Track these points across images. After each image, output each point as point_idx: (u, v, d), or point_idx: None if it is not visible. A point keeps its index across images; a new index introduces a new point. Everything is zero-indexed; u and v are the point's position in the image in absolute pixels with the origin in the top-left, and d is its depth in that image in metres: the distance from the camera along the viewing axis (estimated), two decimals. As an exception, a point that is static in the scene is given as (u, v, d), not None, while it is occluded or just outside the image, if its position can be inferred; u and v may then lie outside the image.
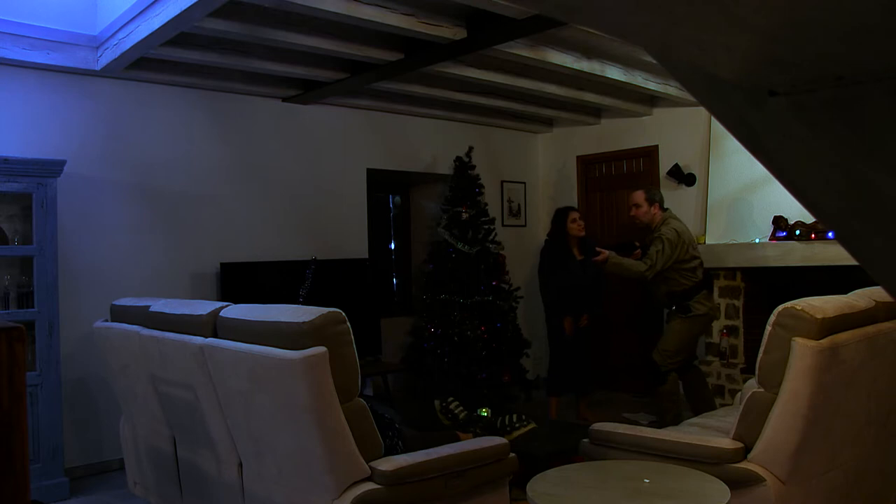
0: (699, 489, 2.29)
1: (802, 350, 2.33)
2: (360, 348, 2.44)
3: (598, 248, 4.86)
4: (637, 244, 5.12)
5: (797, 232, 5.04)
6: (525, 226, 7.07)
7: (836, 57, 0.61)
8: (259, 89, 5.16)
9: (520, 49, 4.34)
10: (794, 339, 2.37)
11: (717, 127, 5.62)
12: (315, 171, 5.59)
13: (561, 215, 5.29)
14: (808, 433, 2.37)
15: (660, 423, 4.40)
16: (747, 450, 2.48)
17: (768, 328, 2.48)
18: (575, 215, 5.27)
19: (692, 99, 4.11)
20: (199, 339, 2.70)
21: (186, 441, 3.05)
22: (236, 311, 2.70)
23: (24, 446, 1.42)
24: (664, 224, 4.75)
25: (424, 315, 5.99)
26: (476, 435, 3.33)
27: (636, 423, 4.65)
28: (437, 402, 4.54)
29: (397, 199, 6.87)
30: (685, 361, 4.86)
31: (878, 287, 2.45)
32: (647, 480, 2.39)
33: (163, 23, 3.55)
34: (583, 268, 5.20)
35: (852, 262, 0.85)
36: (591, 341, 5.42)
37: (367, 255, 5.84)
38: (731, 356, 5.69)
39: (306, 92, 5.25)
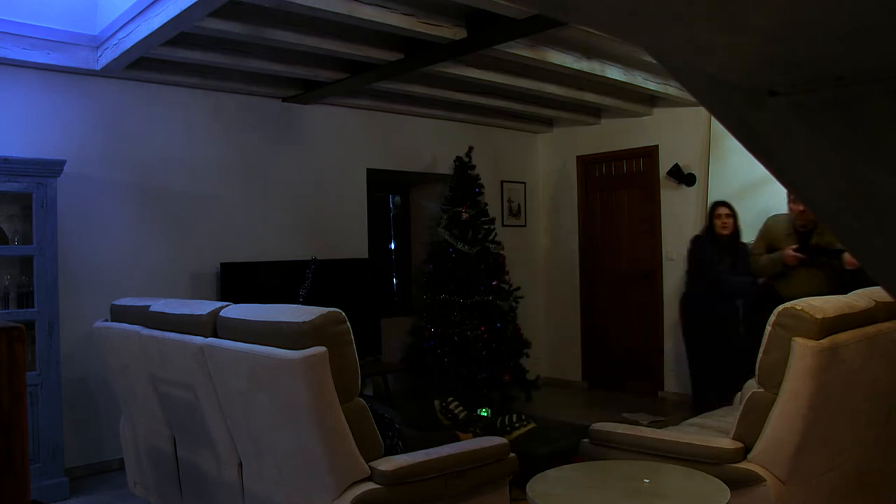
0: (699, 489, 2.29)
1: (802, 350, 2.33)
2: (360, 348, 2.44)
3: (846, 259, 4.07)
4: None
5: (797, 232, 5.03)
6: (525, 226, 7.07)
7: (836, 57, 0.61)
8: (259, 89, 5.16)
9: (520, 49, 4.34)
10: (794, 339, 2.37)
11: (717, 127, 5.62)
12: (315, 171, 5.59)
13: (710, 210, 4.97)
14: (808, 433, 2.37)
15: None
16: (747, 450, 2.48)
17: (768, 328, 2.48)
18: (721, 211, 4.86)
19: (692, 99, 4.11)
20: (199, 339, 2.70)
21: (186, 441, 3.05)
22: (236, 311, 2.70)
23: (24, 446, 1.42)
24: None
25: (424, 315, 5.99)
26: (476, 435, 3.33)
27: (636, 423, 4.65)
28: (437, 402, 4.54)
29: (397, 199, 6.87)
30: None
31: (878, 287, 2.45)
32: (647, 480, 2.39)
33: (163, 23, 3.55)
34: (732, 268, 4.79)
35: (852, 262, 0.85)
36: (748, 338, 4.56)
37: (367, 255, 5.84)
38: (731, 356, 5.68)
39: (306, 92, 5.25)
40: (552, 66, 4.70)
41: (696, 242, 5.05)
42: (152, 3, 3.60)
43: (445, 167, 6.25)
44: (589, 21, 0.69)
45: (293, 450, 2.39)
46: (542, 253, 7.20)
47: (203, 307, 2.88)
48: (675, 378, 6.16)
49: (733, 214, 4.88)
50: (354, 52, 4.30)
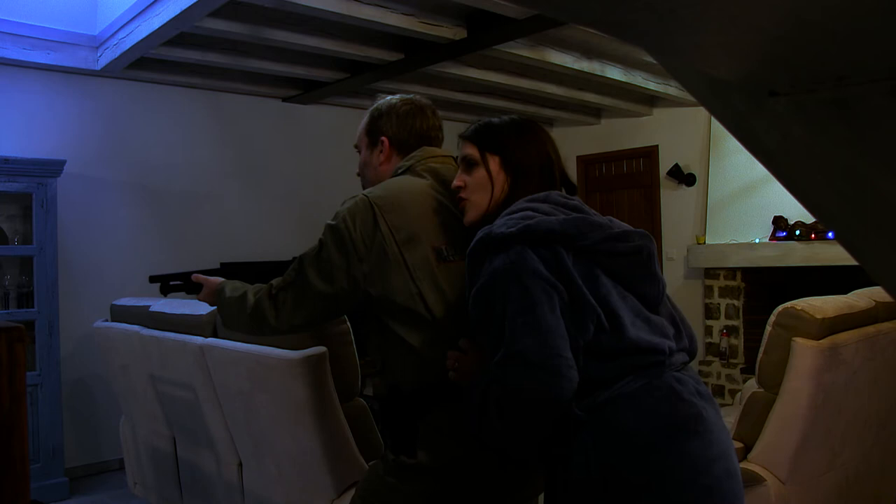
0: (699, 489, 2.29)
1: (802, 350, 2.33)
2: (360, 348, 2.43)
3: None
4: None
5: (797, 232, 5.04)
6: (525, 226, 7.07)
7: (836, 57, 0.61)
8: (259, 89, 5.16)
9: (520, 49, 4.34)
10: (794, 339, 2.37)
11: (717, 127, 5.62)
12: (315, 170, 5.59)
13: None
14: (808, 433, 2.37)
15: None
16: (747, 450, 2.48)
17: (768, 328, 2.48)
18: None
19: (692, 99, 4.11)
20: (199, 339, 2.70)
21: (186, 441, 3.05)
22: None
23: (24, 446, 1.42)
24: None
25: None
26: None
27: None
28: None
29: (397, 199, 6.86)
30: None
31: (878, 287, 2.45)
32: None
33: (163, 23, 3.55)
34: None
35: (852, 262, 0.85)
36: None
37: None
38: (731, 356, 5.69)
39: (306, 92, 5.25)
40: (552, 66, 4.70)
41: None
42: (152, 3, 3.60)
43: (445, 167, 6.24)
44: (589, 22, 0.69)
45: (293, 450, 2.39)
46: (542, 253, 7.20)
47: (203, 307, 2.88)
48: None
49: None
50: (354, 52, 4.30)
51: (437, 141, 1.77)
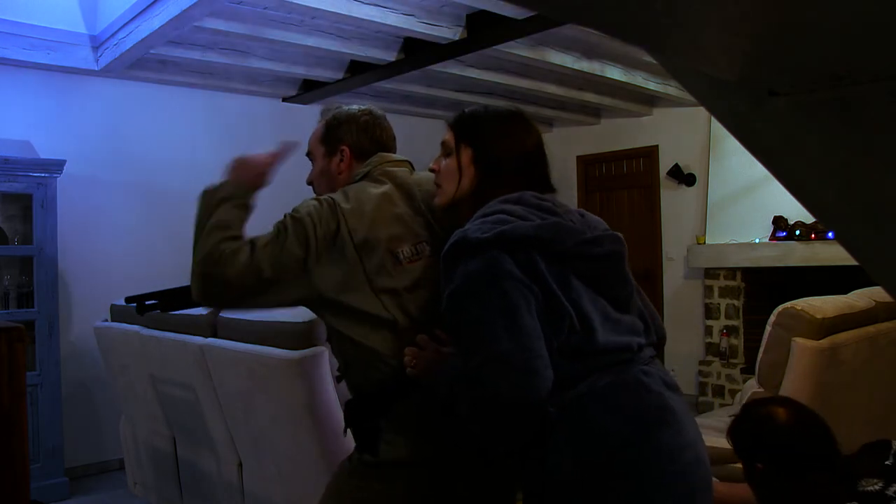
0: (699, 489, 2.29)
1: (802, 350, 2.33)
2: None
3: None
4: None
5: (797, 232, 5.05)
6: (525, 226, 7.07)
7: (836, 57, 0.61)
8: (259, 89, 5.16)
9: (520, 49, 4.34)
10: (794, 339, 2.37)
11: (717, 127, 5.62)
12: (315, 171, 5.59)
13: None
14: (808, 433, 2.37)
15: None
16: (747, 450, 2.47)
17: (768, 328, 2.48)
18: None
19: (692, 99, 4.11)
20: (199, 339, 2.70)
21: (186, 441, 3.05)
22: (236, 311, 2.69)
23: (24, 446, 1.42)
24: None
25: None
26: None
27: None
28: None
29: (397, 199, 6.85)
30: None
31: (878, 287, 2.45)
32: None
33: (163, 23, 3.55)
34: None
35: (852, 262, 0.85)
36: None
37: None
38: (731, 356, 5.69)
39: (306, 92, 5.25)
40: (552, 66, 4.70)
41: None
42: (152, 3, 3.60)
43: (445, 167, 6.24)
44: (588, 22, 0.69)
45: (293, 450, 2.39)
46: (542, 253, 7.19)
47: (203, 307, 2.87)
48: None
49: None
50: (354, 52, 4.30)
51: (393, 150, 1.81)
